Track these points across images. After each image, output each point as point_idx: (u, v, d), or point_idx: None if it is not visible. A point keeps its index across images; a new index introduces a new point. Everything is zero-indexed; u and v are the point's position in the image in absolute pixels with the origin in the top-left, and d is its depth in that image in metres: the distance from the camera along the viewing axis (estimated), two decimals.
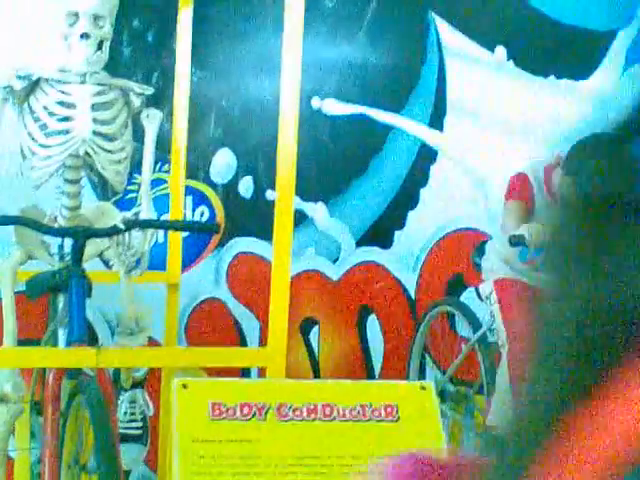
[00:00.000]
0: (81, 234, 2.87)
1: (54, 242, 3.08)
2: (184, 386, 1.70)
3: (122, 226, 2.89)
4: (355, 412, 1.71)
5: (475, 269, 3.72)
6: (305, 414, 1.70)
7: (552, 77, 4.37)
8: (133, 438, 3.15)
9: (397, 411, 1.72)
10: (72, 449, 2.71)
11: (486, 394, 3.48)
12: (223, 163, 4.08)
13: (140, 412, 3.03)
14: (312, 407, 1.70)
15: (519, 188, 3.32)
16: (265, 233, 3.92)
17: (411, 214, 4.30)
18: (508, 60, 4.33)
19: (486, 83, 4.30)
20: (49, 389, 2.80)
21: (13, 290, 2.96)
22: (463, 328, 3.97)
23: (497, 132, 4.33)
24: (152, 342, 3.91)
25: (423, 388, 1.76)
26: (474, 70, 4.29)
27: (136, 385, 3.05)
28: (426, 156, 4.30)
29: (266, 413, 1.68)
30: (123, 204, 3.68)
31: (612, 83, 4.46)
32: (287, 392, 1.71)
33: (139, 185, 3.17)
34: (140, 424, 3.03)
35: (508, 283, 3.37)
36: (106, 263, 3.18)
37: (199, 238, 4.04)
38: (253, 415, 1.68)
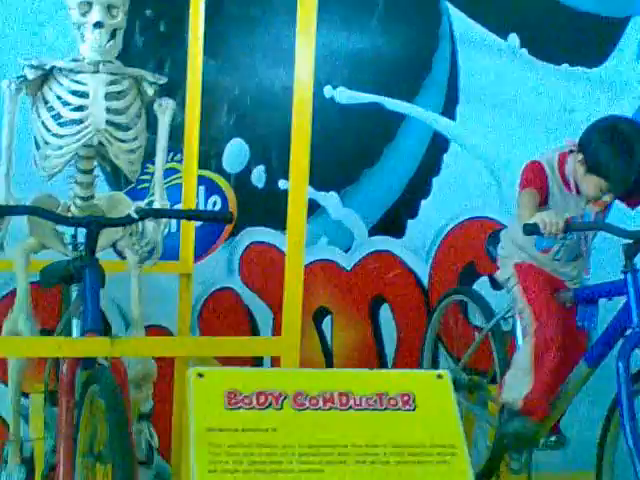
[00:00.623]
0: (94, 224, 2.87)
1: (67, 232, 3.08)
2: (200, 375, 1.70)
3: (135, 215, 2.88)
4: (371, 401, 1.71)
5: (488, 258, 3.70)
6: (321, 403, 1.69)
7: (565, 64, 4.35)
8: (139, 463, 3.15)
9: (413, 400, 1.72)
10: (86, 438, 2.71)
11: (499, 418, 3.45)
12: (235, 152, 4.07)
13: (145, 442, 3.04)
14: (328, 396, 1.70)
15: (533, 177, 3.30)
16: (277, 223, 3.92)
17: (424, 203, 4.29)
18: (521, 48, 4.31)
19: (499, 71, 4.28)
20: (63, 379, 2.80)
21: (26, 273, 2.96)
22: (476, 317, 3.96)
23: (510, 120, 4.31)
24: (165, 332, 3.92)
25: (439, 377, 1.75)
26: (487, 58, 4.27)
27: (142, 417, 3.04)
28: (439, 145, 4.29)
29: (282, 402, 1.68)
30: (136, 194, 3.69)
31: (626, 70, 4.43)
32: (303, 381, 1.71)
33: (152, 175, 3.17)
34: (145, 452, 3.04)
35: (527, 266, 3.36)
36: (119, 253, 3.18)
37: (212, 228, 4.04)
38: (269, 404, 1.68)
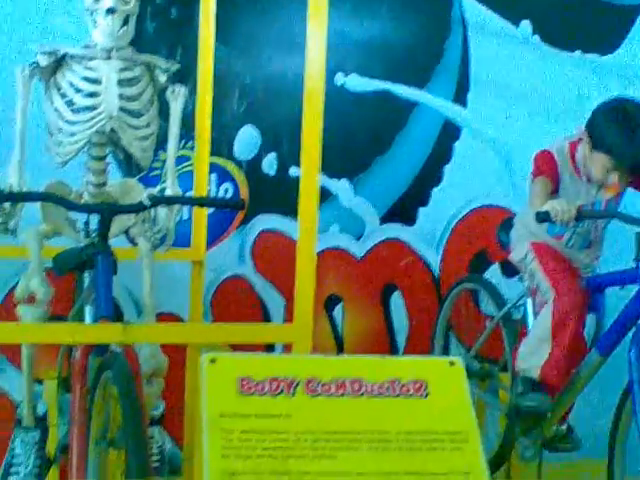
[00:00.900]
0: (107, 210, 2.88)
1: (80, 219, 3.09)
2: (212, 361, 1.70)
3: (148, 202, 2.89)
4: (384, 388, 1.71)
5: (500, 245, 3.70)
6: (334, 389, 1.70)
7: (578, 52, 4.33)
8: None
9: (426, 387, 1.72)
10: (100, 425, 2.72)
11: (510, 371, 3.47)
12: (247, 140, 4.07)
13: (158, 447, 3.04)
14: (341, 382, 1.70)
15: (544, 165, 3.30)
16: (289, 210, 3.92)
17: (435, 191, 4.29)
18: (533, 35, 4.30)
19: (511, 58, 4.26)
20: (76, 365, 2.82)
21: (40, 254, 2.96)
22: (487, 305, 3.96)
23: (522, 107, 4.30)
24: (177, 319, 3.93)
25: (452, 364, 1.75)
26: (499, 45, 4.26)
27: (153, 423, 3.04)
28: (450, 132, 4.28)
29: (295, 388, 1.68)
30: (148, 181, 3.69)
31: (639, 57, 4.41)
32: (316, 367, 1.71)
33: (164, 162, 3.17)
34: (157, 457, 3.04)
35: (543, 243, 3.35)
36: (131, 240, 3.19)
37: (223, 215, 4.04)
38: (282, 390, 1.68)
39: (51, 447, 3.20)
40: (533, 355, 3.26)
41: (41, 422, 3.17)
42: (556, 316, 3.20)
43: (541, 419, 3.33)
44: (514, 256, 3.45)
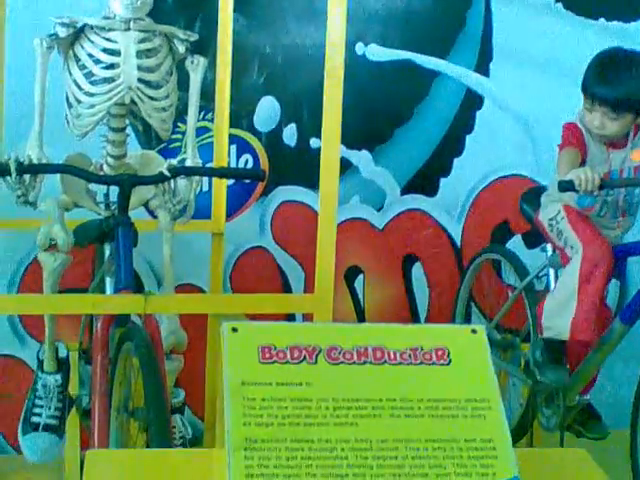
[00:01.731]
0: (127, 182, 2.88)
1: (100, 191, 3.09)
2: (234, 329, 1.69)
3: (167, 173, 2.88)
4: (406, 355, 1.69)
5: (522, 216, 3.67)
6: (355, 357, 1.68)
7: (602, 20, 4.27)
8: None
9: (448, 354, 1.70)
10: (121, 396, 2.74)
11: (532, 362, 3.44)
12: (267, 111, 4.06)
13: (180, 437, 3.05)
14: (362, 350, 1.69)
15: (570, 136, 3.28)
16: (309, 181, 3.91)
17: (456, 161, 4.26)
18: (556, 2, 4.24)
19: (534, 26, 4.21)
20: (97, 336, 2.83)
21: (62, 208, 2.95)
22: (509, 276, 3.94)
23: (544, 77, 4.25)
24: (198, 291, 3.93)
25: (474, 332, 1.74)
26: (521, 13, 4.21)
27: (174, 411, 3.04)
28: (472, 102, 4.24)
29: (316, 356, 1.67)
30: (168, 153, 3.69)
31: None
32: (337, 335, 1.69)
33: (183, 134, 3.16)
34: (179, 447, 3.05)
35: (575, 209, 3.32)
36: (151, 212, 3.18)
37: (243, 187, 4.03)
38: (303, 358, 1.67)
39: (69, 422, 3.22)
40: (559, 314, 3.24)
41: (62, 365, 3.20)
42: (584, 267, 3.17)
43: (560, 389, 3.32)
44: (544, 215, 3.42)
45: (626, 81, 3.17)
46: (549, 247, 3.49)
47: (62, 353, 3.22)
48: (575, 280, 3.19)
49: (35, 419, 3.15)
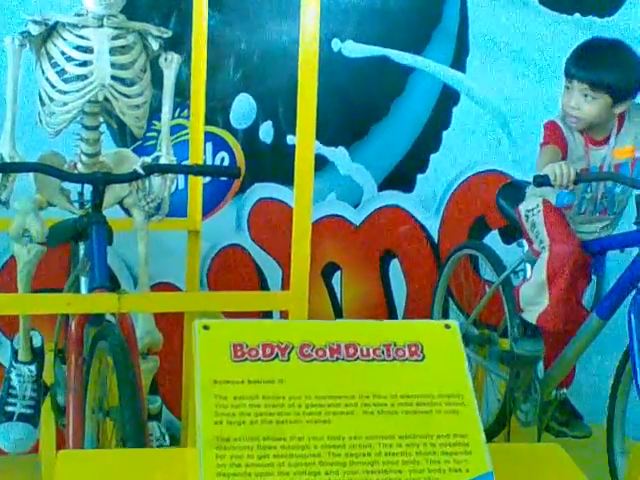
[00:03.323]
0: (101, 180, 2.86)
1: (74, 189, 3.07)
2: (205, 327, 1.69)
3: (142, 171, 2.87)
4: (379, 351, 1.69)
5: (499, 211, 3.67)
6: (328, 354, 1.68)
7: (577, 14, 4.28)
8: None
9: (422, 350, 1.70)
10: (96, 395, 2.72)
11: (510, 337, 3.46)
12: (243, 108, 4.04)
13: (157, 445, 3.04)
14: (335, 347, 1.69)
15: (550, 134, 3.29)
16: (286, 178, 3.89)
17: (433, 157, 4.26)
18: None
19: (510, 22, 4.21)
20: (72, 336, 2.81)
21: (36, 199, 2.92)
22: (486, 271, 3.94)
23: (521, 72, 4.26)
24: (173, 289, 3.92)
25: (448, 327, 1.74)
26: (497, 8, 4.21)
27: (151, 418, 3.03)
28: (448, 98, 4.24)
29: (289, 354, 1.67)
30: (143, 151, 3.66)
31: (637, 20, 4.36)
32: (310, 332, 1.69)
33: (159, 132, 3.14)
34: None
35: (554, 205, 3.33)
36: (126, 211, 3.17)
37: (219, 185, 4.01)
38: (275, 356, 1.67)
39: (44, 421, 3.20)
40: (533, 302, 3.26)
41: (37, 355, 3.18)
42: (550, 264, 3.19)
43: (534, 365, 3.35)
44: (523, 207, 3.43)
45: (605, 62, 3.20)
46: (525, 242, 3.50)
47: (37, 343, 3.21)
48: (543, 276, 3.20)
49: (10, 409, 3.14)
